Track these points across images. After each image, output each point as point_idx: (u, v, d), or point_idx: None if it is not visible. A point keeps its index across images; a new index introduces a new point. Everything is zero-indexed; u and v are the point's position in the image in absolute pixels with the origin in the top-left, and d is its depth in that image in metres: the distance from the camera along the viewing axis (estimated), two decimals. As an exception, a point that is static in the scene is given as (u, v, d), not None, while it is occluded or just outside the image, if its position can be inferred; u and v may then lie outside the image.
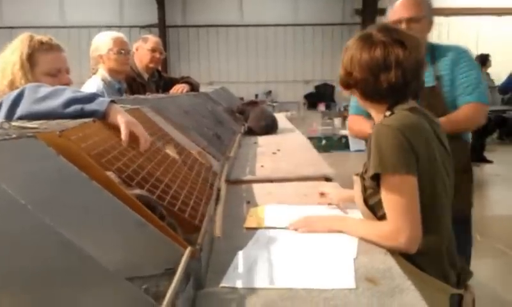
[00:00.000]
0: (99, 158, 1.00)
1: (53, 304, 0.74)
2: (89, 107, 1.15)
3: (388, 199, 1.18)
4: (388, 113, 1.27)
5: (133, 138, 1.19)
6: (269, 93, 12.05)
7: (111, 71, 2.58)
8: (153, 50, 3.15)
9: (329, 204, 1.53)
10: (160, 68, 3.48)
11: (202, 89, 3.73)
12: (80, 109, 1.14)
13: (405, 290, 0.92)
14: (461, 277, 1.28)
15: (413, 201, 1.16)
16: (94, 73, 2.64)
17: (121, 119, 1.17)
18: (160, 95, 2.59)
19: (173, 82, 3.39)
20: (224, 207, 1.55)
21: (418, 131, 1.21)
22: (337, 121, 9.89)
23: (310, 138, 8.57)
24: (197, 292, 0.98)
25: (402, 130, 1.18)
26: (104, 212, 0.89)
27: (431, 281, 1.19)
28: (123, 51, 2.61)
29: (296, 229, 1.31)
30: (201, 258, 1.01)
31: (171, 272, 0.86)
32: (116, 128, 1.18)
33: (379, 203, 1.23)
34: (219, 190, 1.40)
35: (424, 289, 1.01)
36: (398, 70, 1.23)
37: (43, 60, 1.68)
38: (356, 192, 1.31)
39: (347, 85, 1.34)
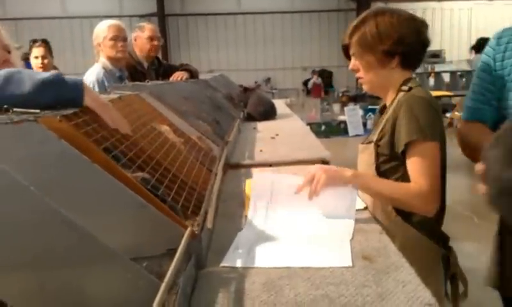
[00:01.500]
0: (100, 143, 1.00)
1: (58, 284, 0.74)
2: (65, 94, 1.08)
3: (421, 165, 1.25)
4: (406, 87, 1.34)
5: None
6: (268, 80, 12.03)
7: (110, 59, 2.57)
8: (151, 39, 3.12)
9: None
10: (160, 56, 3.47)
11: (202, 77, 3.72)
12: (55, 95, 1.06)
13: (400, 267, 0.92)
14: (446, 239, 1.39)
15: (438, 168, 1.27)
16: (97, 61, 2.63)
17: (95, 105, 1.11)
18: (160, 82, 2.59)
19: (172, 69, 3.38)
20: (224, 191, 1.56)
21: (438, 105, 1.34)
22: (336, 107, 9.88)
23: (310, 124, 8.57)
24: (198, 272, 0.99)
25: (432, 102, 1.30)
26: (106, 194, 0.89)
27: (429, 243, 1.31)
28: (118, 38, 2.59)
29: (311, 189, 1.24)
30: (201, 238, 1.01)
31: (172, 253, 0.87)
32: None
33: (391, 169, 1.32)
34: (216, 174, 1.41)
35: (421, 250, 1.23)
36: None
37: None
38: (367, 159, 1.35)
39: (389, 54, 1.35)
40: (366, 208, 1.31)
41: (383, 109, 1.43)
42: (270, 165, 1.93)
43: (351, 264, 0.95)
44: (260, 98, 3.47)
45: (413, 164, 1.27)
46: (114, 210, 0.89)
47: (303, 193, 1.27)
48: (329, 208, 1.24)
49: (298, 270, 0.95)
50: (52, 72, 1.14)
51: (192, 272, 0.96)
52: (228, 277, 0.96)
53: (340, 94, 10.90)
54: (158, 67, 3.32)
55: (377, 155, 1.34)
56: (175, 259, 0.83)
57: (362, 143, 1.45)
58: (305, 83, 12.33)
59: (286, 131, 2.71)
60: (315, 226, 1.20)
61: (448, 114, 8.46)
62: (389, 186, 1.30)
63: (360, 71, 1.38)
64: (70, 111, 0.99)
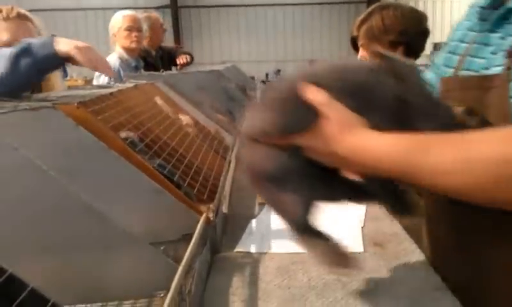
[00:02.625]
0: (116, 129, 1.00)
1: (78, 267, 0.76)
2: (39, 53, 1.08)
3: None
4: None
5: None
6: (278, 71, 11.98)
7: (125, 49, 2.58)
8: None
9: None
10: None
11: (215, 67, 3.72)
12: (31, 59, 1.06)
13: (411, 252, 0.92)
14: None
15: None
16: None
17: (70, 48, 1.10)
18: (174, 72, 2.59)
19: (170, 52, 3.40)
20: (237, 179, 1.56)
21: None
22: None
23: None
24: (213, 256, 1.00)
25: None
26: (123, 180, 0.90)
27: None
28: (132, 28, 2.60)
29: None
30: (216, 224, 1.02)
31: (188, 238, 0.88)
32: (133, 100, 1.19)
33: None
34: (230, 163, 1.41)
35: None
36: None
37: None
38: None
39: (394, 44, 1.42)
40: None
41: None
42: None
43: (362, 250, 0.96)
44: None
45: None
46: (131, 196, 0.90)
47: None
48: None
49: (311, 255, 0.95)
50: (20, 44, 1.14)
51: (207, 257, 0.97)
52: (242, 261, 0.97)
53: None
54: (162, 54, 3.31)
55: None
56: (192, 244, 0.84)
57: None
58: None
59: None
60: (327, 213, 1.20)
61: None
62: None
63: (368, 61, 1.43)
64: (86, 98, 1.00)
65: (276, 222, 1.15)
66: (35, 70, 1.06)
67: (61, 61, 1.09)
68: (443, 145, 0.58)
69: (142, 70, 2.60)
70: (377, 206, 1.18)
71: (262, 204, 1.30)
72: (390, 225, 1.08)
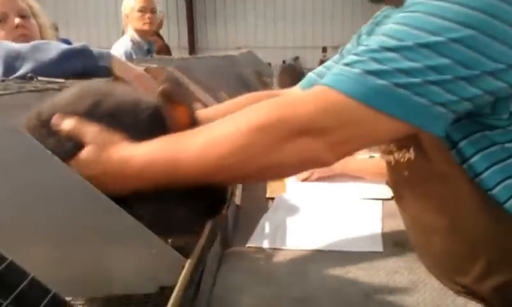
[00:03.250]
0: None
1: (83, 257, 0.74)
2: (92, 63, 1.09)
3: None
4: None
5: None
6: (297, 58, 11.87)
7: (138, 32, 2.55)
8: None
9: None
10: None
11: (230, 53, 3.70)
12: (81, 64, 1.08)
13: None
14: None
15: None
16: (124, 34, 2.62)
17: (128, 74, 1.13)
18: (186, 56, 2.57)
19: None
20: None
21: None
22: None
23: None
24: (224, 250, 0.98)
25: None
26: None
27: None
28: (146, 9, 2.57)
29: None
30: (227, 217, 1.00)
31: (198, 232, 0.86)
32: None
33: None
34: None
35: None
36: None
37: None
38: None
39: None
40: None
41: None
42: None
43: (381, 249, 0.93)
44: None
45: None
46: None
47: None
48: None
49: (326, 254, 0.93)
50: (80, 44, 1.15)
51: (217, 251, 0.95)
52: (253, 257, 0.95)
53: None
54: None
55: None
56: (202, 237, 0.82)
57: None
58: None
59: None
60: (344, 211, 1.18)
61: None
62: None
63: None
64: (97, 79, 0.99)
65: (289, 217, 1.13)
66: (80, 71, 1.08)
67: (108, 76, 1.12)
68: (193, 133, 0.64)
69: (154, 54, 2.58)
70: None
71: (270, 199, 1.28)
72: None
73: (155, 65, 1.52)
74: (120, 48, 2.51)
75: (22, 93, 0.86)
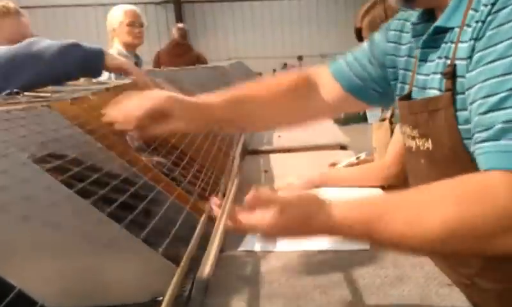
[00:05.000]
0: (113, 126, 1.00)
1: (69, 269, 0.75)
2: (88, 56, 1.12)
3: None
4: None
5: None
6: (285, 65, 11.89)
7: (126, 45, 2.56)
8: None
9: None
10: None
11: (220, 64, 3.73)
12: (80, 55, 1.11)
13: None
14: None
15: None
16: (110, 47, 2.62)
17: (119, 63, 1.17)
18: (175, 68, 2.59)
19: None
20: (243, 177, 1.56)
21: None
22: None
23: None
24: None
25: None
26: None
27: None
28: (134, 24, 2.59)
29: None
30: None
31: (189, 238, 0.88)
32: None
33: None
34: (233, 159, 1.41)
35: None
36: None
37: (4, 25, 1.59)
38: (383, 136, 1.37)
39: None
40: None
41: None
42: (288, 150, 1.94)
43: (368, 247, 0.94)
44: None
45: None
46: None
47: None
48: None
49: (316, 254, 0.95)
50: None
51: (209, 256, 0.97)
52: (246, 260, 0.97)
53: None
54: None
55: (392, 131, 1.36)
56: (191, 244, 0.84)
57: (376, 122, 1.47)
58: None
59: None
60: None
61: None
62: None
63: None
64: (81, 94, 1.00)
65: None
66: (77, 66, 1.09)
67: (101, 69, 1.15)
68: (394, 210, 0.65)
69: (143, 67, 2.60)
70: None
71: None
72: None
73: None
74: None
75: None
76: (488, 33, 0.67)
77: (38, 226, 0.71)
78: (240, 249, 1.02)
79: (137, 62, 2.58)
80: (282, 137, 2.19)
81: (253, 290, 0.85)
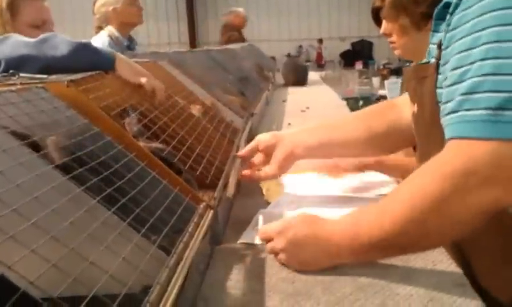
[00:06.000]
0: (110, 110, 0.99)
1: (66, 256, 0.75)
2: (99, 59, 1.13)
3: None
4: None
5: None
6: (300, 47, 11.78)
7: (123, 26, 2.50)
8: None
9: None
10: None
11: (229, 47, 3.71)
12: (91, 57, 1.12)
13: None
14: None
15: None
16: (97, 32, 2.57)
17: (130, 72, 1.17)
18: (181, 50, 2.57)
19: None
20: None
21: None
22: (375, 81, 9.63)
23: (347, 99, 8.36)
24: (214, 247, 0.99)
25: None
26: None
27: None
28: (135, 2, 2.54)
29: None
30: (217, 213, 1.01)
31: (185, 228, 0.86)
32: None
33: None
34: (238, 147, 1.39)
35: None
36: None
37: (26, 9, 1.56)
38: None
39: (426, 16, 1.24)
40: None
41: None
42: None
43: None
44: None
45: None
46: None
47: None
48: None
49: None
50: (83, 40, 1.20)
51: (206, 248, 0.96)
52: (244, 253, 0.95)
53: (381, 67, 10.62)
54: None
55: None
56: (185, 234, 0.83)
57: None
58: (342, 55, 12.10)
59: (318, 104, 2.67)
60: (343, 207, 1.17)
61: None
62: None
63: (393, 36, 1.35)
64: (78, 76, 0.99)
65: (285, 214, 1.13)
66: (88, 67, 1.11)
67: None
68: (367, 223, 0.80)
69: (137, 49, 2.56)
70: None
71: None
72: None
73: (146, 60, 1.53)
74: (95, 44, 2.46)
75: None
76: (460, 13, 0.75)
77: (32, 214, 0.70)
78: (240, 241, 1.00)
79: (130, 45, 2.55)
80: (292, 124, 2.17)
81: (251, 284, 0.83)
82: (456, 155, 0.67)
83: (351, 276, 0.81)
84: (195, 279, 0.83)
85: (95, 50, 1.15)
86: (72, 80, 0.95)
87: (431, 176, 0.70)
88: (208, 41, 11.07)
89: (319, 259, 0.84)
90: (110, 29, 2.49)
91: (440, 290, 0.74)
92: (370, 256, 0.82)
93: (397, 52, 1.38)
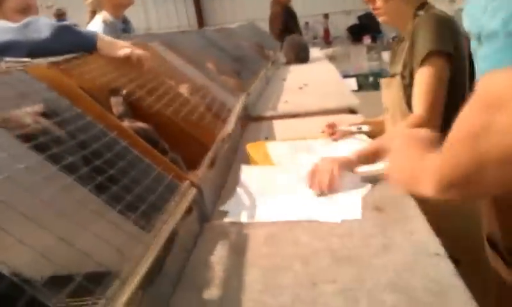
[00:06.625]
0: (93, 90, 1.01)
1: (48, 236, 0.77)
2: (81, 39, 1.15)
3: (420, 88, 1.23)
4: (422, 12, 1.32)
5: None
6: (306, 24, 11.61)
7: (115, 8, 2.47)
8: None
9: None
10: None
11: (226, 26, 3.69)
12: (73, 39, 1.14)
13: (410, 217, 0.90)
14: None
15: (442, 90, 1.23)
16: (91, 17, 2.55)
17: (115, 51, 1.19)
18: (175, 31, 2.56)
19: None
20: (240, 144, 1.56)
21: (454, 22, 1.29)
22: (385, 55, 9.51)
23: (356, 76, 8.24)
24: (203, 224, 1.01)
25: (447, 18, 1.28)
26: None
27: None
28: None
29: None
30: (202, 191, 1.02)
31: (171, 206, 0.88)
32: (116, 61, 1.19)
33: None
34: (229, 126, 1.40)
35: None
36: None
37: None
38: (394, 95, 1.35)
39: None
40: None
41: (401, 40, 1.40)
42: (294, 116, 1.92)
43: (359, 216, 0.94)
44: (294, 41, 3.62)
45: (419, 81, 1.25)
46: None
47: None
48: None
49: (303, 223, 0.95)
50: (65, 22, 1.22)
51: (193, 225, 0.97)
52: (230, 230, 0.97)
53: (391, 40, 10.44)
54: None
55: (405, 87, 1.31)
56: (168, 212, 0.85)
57: (384, 78, 1.45)
58: (349, 29, 11.93)
59: (316, 81, 2.66)
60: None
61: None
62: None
63: (377, 2, 1.35)
64: (60, 58, 1.01)
65: (268, 188, 1.15)
66: (70, 47, 1.15)
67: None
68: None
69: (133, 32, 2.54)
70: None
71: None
72: (393, 188, 1.06)
73: (135, 41, 1.54)
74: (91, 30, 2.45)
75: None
76: None
77: (16, 196, 0.72)
78: (227, 219, 1.02)
79: (126, 28, 2.53)
80: (289, 102, 2.17)
81: (233, 259, 0.85)
82: None
83: (331, 250, 0.82)
84: (180, 256, 0.85)
85: (76, 32, 1.16)
86: (53, 62, 0.97)
87: None
88: (216, 23, 11.01)
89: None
90: (104, 14, 2.47)
91: (415, 260, 0.76)
92: None
93: (381, 19, 1.39)
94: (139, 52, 1.27)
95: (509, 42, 0.64)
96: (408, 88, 1.30)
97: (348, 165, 1.13)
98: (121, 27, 2.44)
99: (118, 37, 1.65)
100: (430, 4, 1.35)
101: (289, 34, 4.30)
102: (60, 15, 4.16)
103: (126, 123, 1.03)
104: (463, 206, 1.14)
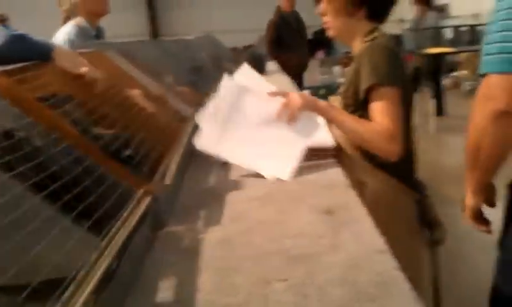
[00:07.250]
0: (46, 99, 1.00)
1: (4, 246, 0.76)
2: (35, 48, 1.15)
3: (381, 106, 1.28)
4: (371, 37, 1.37)
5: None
6: (261, 37, 11.74)
7: (90, 16, 2.44)
8: None
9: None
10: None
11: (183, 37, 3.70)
12: (27, 48, 1.13)
13: (360, 219, 0.95)
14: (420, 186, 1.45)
15: (399, 112, 1.29)
16: (64, 23, 2.53)
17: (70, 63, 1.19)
18: (131, 40, 2.55)
19: None
20: (198, 154, 1.58)
21: (398, 52, 1.39)
22: (336, 69, 9.79)
23: (309, 88, 8.45)
24: (157, 232, 1.02)
25: (392, 49, 1.35)
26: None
27: (402, 187, 1.36)
28: None
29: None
30: (158, 199, 1.03)
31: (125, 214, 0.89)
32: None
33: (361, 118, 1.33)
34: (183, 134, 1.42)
35: (396, 194, 1.33)
36: None
37: None
38: None
39: (357, 4, 1.37)
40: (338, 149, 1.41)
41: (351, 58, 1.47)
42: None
43: (286, 178, 1.14)
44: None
45: (374, 107, 1.29)
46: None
47: (270, 105, 1.32)
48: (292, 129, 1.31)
49: (256, 226, 0.98)
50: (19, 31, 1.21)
51: (145, 232, 0.98)
52: (184, 235, 0.99)
53: (342, 55, 10.73)
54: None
55: (345, 106, 1.37)
56: (122, 219, 0.85)
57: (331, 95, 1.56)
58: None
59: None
60: (272, 134, 1.28)
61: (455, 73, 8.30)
62: (355, 120, 1.31)
63: (327, 16, 1.41)
64: (12, 66, 1.00)
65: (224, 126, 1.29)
66: (23, 56, 1.13)
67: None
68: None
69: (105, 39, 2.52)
70: (335, 174, 1.22)
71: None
72: (345, 192, 1.11)
73: (92, 50, 1.54)
74: (62, 35, 2.43)
75: None
76: None
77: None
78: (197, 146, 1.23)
79: (98, 35, 2.51)
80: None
81: (187, 263, 0.87)
82: None
83: (282, 250, 0.85)
84: (131, 263, 0.86)
85: (31, 41, 1.16)
86: (4, 71, 0.96)
87: None
88: (171, 34, 10.96)
89: None
90: (77, 19, 2.42)
91: (362, 257, 0.80)
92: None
93: (330, 33, 1.44)
94: (95, 73, 1.26)
95: None
96: (347, 108, 1.38)
97: (313, 104, 1.31)
98: (94, 34, 2.42)
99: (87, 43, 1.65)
100: (380, 29, 1.39)
101: (282, 47, 4.28)
102: (2, 21, 4.05)
103: (81, 132, 1.03)
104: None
